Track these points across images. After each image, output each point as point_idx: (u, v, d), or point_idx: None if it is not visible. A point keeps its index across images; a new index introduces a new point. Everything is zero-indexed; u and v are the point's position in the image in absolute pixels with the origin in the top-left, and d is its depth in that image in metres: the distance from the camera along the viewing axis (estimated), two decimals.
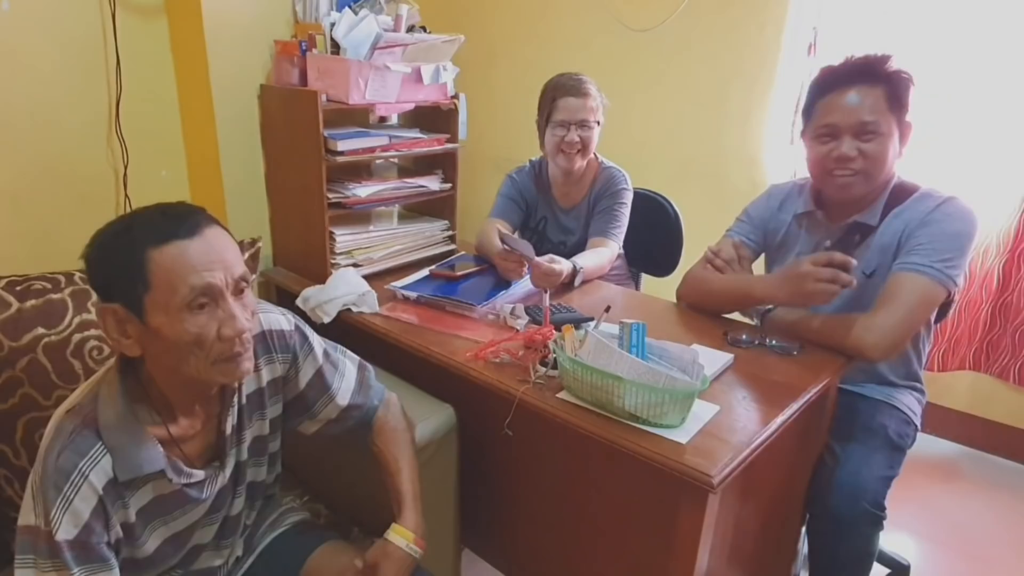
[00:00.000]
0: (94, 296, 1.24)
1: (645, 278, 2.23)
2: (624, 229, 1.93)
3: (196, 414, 0.96)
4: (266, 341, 1.04)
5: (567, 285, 1.70)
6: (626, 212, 1.93)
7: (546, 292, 1.46)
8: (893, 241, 1.38)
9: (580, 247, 1.90)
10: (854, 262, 1.27)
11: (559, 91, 1.83)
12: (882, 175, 1.38)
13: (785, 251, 1.57)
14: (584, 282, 1.74)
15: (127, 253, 0.83)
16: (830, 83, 1.39)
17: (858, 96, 1.34)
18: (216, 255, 0.85)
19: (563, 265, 1.63)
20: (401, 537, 1.07)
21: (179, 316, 0.83)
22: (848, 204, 1.44)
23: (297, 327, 1.10)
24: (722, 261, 1.56)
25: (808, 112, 1.44)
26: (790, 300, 1.38)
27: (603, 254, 1.83)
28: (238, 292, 0.88)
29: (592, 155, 1.92)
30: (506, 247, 1.65)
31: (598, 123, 1.85)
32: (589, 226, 1.94)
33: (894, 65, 1.35)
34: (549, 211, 2.03)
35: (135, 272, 0.82)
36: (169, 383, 0.91)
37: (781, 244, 1.58)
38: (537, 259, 1.58)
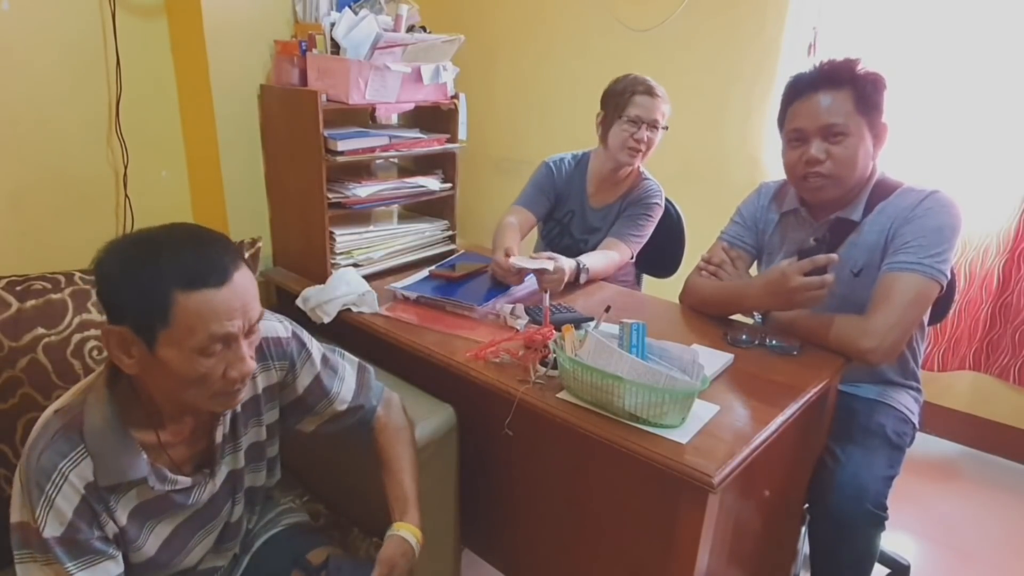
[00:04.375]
0: (94, 297, 1.24)
1: (646, 278, 2.23)
2: (643, 241, 1.92)
3: (186, 422, 0.96)
4: (262, 348, 1.03)
5: (571, 284, 1.70)
6: (650, 226, 1.92)
7: (546, 292, 1.46)
8: (880, 239, 1.38)
9: None
10: (836, 257, 1.28)
11: (637, 87, 1.82)
12: (853, 177, 1.39)
13: (774, 248, 1.58)
14: (588, 282, 1.74)
15: (153, 287, 0.81)
16: (798, 89, 1.41)
17: (824, 99, 1.36)
18: (239, 303, 0.85)
19: (563, 262, 1.63)
20: (413, 535, 1.07)
21: (190, 356, 0.83)
22: (829, 202, 1.45)
23: (294, 333, 1.09)
24: (714, 267, 1.58)
25: (781, 119, 1.46)
26: (779, 307, 1.41)
27: (611, 257, 1.83)
28: (250, 333, 0.89)
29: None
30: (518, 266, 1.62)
31: (664, 128, 1.85)
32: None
33: (862, 68, 1.35)
34: (578, 206, 2.01)
35: (157, 308, 0.81)
36: (160, 396, 0.91)
37: (771, 241, 1.59)
38: (538, 263, 1.58)
